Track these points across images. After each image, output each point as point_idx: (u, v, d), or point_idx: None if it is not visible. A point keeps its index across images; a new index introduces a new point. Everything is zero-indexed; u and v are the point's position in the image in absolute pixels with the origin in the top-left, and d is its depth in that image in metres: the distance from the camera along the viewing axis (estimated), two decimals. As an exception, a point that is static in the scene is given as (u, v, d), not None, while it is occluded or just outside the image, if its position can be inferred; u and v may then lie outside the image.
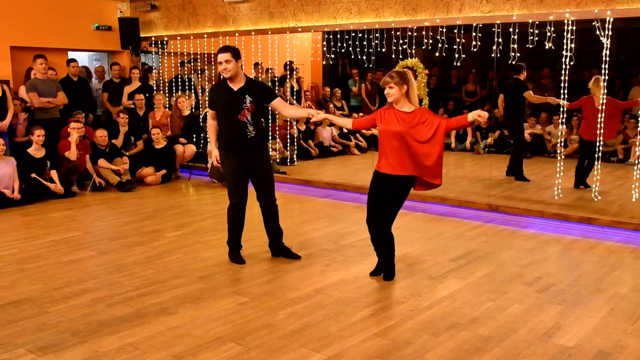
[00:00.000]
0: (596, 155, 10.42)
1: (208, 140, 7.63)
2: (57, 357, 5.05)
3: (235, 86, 7.32)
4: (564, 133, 12.84)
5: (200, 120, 14.46)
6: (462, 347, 5.29)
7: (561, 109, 10.62)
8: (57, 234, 8.89)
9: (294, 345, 5.29)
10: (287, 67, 14.95)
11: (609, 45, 9.43)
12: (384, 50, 12.19)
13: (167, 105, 14.64)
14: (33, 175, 10.98)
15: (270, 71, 14.84)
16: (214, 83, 7.37)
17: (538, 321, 5.87)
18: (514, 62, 11.16)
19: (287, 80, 15.54)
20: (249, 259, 7.67)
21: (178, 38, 14.78)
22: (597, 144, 10.40)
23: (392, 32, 11.74)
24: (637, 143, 10.68)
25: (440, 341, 5.40)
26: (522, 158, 12.74)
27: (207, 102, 14.11)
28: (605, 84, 10.03)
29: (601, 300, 6.46)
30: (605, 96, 10.20)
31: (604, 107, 10.18)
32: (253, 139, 7.37)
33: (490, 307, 6.23)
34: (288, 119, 14.59)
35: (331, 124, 16.42)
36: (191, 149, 13.76)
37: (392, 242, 6.99)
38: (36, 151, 11.16)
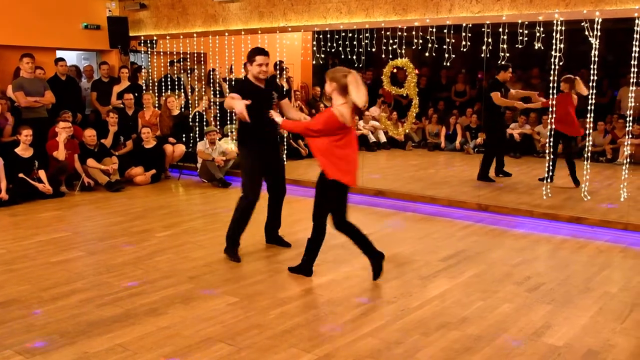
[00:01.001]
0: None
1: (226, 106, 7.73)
2: (46, 358, 5.02)
3: (262, 84, 7.64)
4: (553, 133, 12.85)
5: (190, 119, 14.44)
6: (452, 346, 5.30)
7: (550, 109, 10.62)
8: (45, 234, 8.86)
9: (284, 345, 5.28)
10: (277, 67, 14.92)
11: (597, 46, 9.46)
12: (374, 50, 12.18)
13: (157, 105, 14.60)
14: (21, 175, 10.92)
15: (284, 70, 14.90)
16: (235, 80, 7.62)
17: (528, 320, 5.88)
18: (502, 62, 11.18)
19: (277, 79, 15.52)
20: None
21: (167, 37, 14.74)
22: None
23: (382, 32, 11.74)
24: (626, 143, 10.69)
25: (430, 341, 5.40)
26: (493, 159, 12.64)
27: (210, 97, 14.10)
28: (594, 84, 10.04)
29: (590, 299, 6.47)
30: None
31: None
32: (276, 133, 7.89)
33: (480, 306, 6.24)
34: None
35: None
36: (180, 148, 13.73)
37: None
38: (24, 151, 11.12)
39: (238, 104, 7.20)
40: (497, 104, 12.14)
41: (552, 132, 10.85)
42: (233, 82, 14.20)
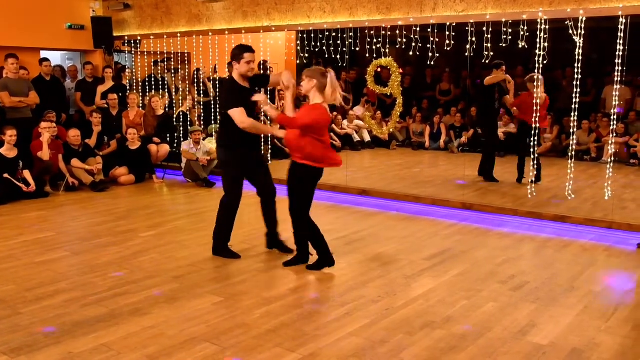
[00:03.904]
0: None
1: (262, 130, 8.01)
2: (30, 358, 4.99)
3: (246, 84, 7.58)
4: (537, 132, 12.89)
5: (174, 119, 14.41)
6: (437, 345, 5.30)
7: (535, 108, 10.66)
8: (29, 235, 8.82)
9: (269, 344, 5.27)
10: (261, 67, 14.90)
11: (581, 45, 9.49)
12: (358, 49, 12.18)
13: (141, 105, 14.56)
14: (5, 175, 10.88)
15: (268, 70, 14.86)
16: (228, 85, 7.57)
17: (513, 319, 5.89)
18: (490, 61, 11.19)
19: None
20: (224, 258, 7.68)
21: (151, 37, 14.71)
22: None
23: (366, 31, 11.73)
24: (610, 142, 10.73)
25: (415, 340, 5.41)
26: (494, 158, 12.67)
27: (216, 102, 14.08)
28: (578, 82, 10.07)
29: (575, 298, 6.49)
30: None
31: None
32: (258, 136, 7.95)
33: (465, 305, 6.25)
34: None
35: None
36: (165, 148, 13.71)
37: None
38: (8, 151, 11.07)
39: (277, 132, 7.83)
40: (495, 103, 12.27)
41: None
42: (218, 83, 14.19)
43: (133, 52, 15.47)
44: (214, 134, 14.32)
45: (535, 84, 11.12)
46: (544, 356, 5.12)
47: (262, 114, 7.43)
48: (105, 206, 10.74)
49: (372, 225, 9.54)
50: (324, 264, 7.24)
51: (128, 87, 15.06)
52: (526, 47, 10.18)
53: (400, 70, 11.14)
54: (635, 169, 14.29)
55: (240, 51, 7.45)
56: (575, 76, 9.92)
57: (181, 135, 14.30)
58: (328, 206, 10.76)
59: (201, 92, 15.03)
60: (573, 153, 10.57)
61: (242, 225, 8.47)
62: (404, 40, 11.19)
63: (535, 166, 11.37)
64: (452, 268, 7.43)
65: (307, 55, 13.08)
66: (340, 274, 7.17)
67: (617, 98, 9.80)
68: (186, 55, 15.35)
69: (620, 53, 9.20)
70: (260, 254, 7.89)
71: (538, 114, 10.52)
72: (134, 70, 15.56)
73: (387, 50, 11.42)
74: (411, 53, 11.26)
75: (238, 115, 7.35)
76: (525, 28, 10.02)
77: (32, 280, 6.90)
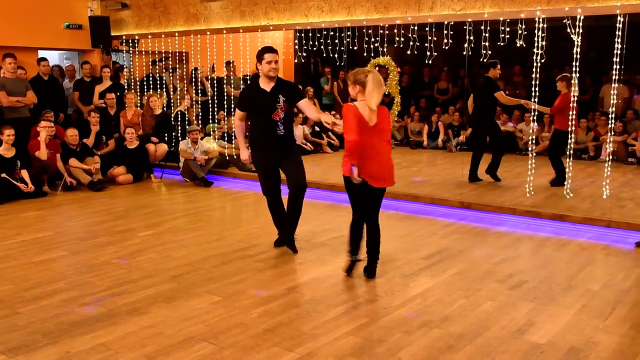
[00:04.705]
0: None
1: (234, 139, 8.04)
2: (28, 358, 4.99)
3: (268, 87, 7.55)
4: (535, 131, 12.90)
5: (172, 119, 14.40)
6: (434, 344, 5.30)
7: (533, 107, 10.66)
8: (27, 234, 8.81)
9: (267, 344, 5.27)
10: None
11: (579, 43, 9.49)
12: (355, 48, 12.18)
13: (139, 104, 14.54)
14: (3, 175, 10.87)
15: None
16: (247, 84, 7.72)
17: (510, 318, 5.89)
18: (486, 60, 11.19)
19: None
20: (221, 258, 7.69)
21: (149, 37, 14.70)
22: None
23: (364, 30, 11.73)
24: (608, 140, 10.73)
25: (413, 339, 5.41)
26: (501, 157, 12.56)
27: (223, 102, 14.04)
28: (577, 81, 10.08)
29: (573, 297, 6.49)
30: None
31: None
32: (284, 136, 7.65)
33: (462, 304, 6.24)
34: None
35: (304, 122, 16.44)
36: (163, 148, 13.70)
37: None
38: (6, 151, 11.06)
39: (243, 153, 8.02)
40: (496, 102, 12.20)
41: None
42: (217, 82, 14.23)
43: (131, 52, 15.48)
44: (211, 133, 14.33)
45: (572, 82, 10.99)
46: (541, 355, 5.12)
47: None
48: (103, 206, 10.73)
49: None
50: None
51: (126, 87, 15.05)
52: (524, 45, 10.19)
53: (398, 69, 11.16)
54: (633, 167, 14.29)
55: (261, 52, 7.55)
56: (573, 75, 9.93)
57: (179, 135, 14.29)
58: (326, 205, 10.76)
59: (199, 91, 15.03)
60: (571, 152, 10.57)
61: (241, 224, 8.46)
62: (402, 39, 11.20)
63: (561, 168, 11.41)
64: (450, 267, 7.43)
65: (304, 54, 13.08)
66: (338, 273, 7.16)
67: (614, 97, 9.81)
68: (184, 54, 15.34)
69: (618, 51, 9.20)
70: (258, 254, 7.88)
71: (573, 118, 10.46)
72: (131, 70, 15.56)
73: (385, 49, 11.43)
74: (409, 52, 11.27)
75: (235, 115, 7.68)
76: (523, 27, 10.02)
77: (30, 279, 6.89)
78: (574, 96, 10.47)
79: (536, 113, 10.75)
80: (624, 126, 15.32)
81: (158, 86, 15.00)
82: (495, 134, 12.50)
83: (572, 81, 10.57)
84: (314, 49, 12.67)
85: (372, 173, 6.58)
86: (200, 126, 14.26)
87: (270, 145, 7.64)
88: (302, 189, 7.79)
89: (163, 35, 14.45)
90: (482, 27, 10.29)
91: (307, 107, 7.84)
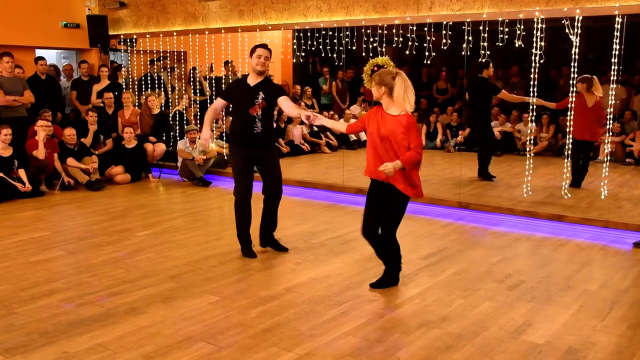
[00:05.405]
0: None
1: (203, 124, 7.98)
2: (26, 358, 4.98)
3: (252, 82, 7.59)
4: (533, 131, 12.89)
5: (170, 118, 14.39)
6: (433, 344, 5.30)
7: (531, 107, 10.64)
8: (25, 234, 8.80)
9: (265, 344, 5.26)
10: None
11: (578, 44, 9.49)
12: (354, 48, 12.18)
13: (137, 104, 14.53)
14: (0, 174, 10.85)
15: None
16: (236, 79, 7.80)
17: (509, 318, 5.89)
18: (482, 60, 11.19)
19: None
20: (220, 257, 7.68)
21: (147, 36, 14.69)
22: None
23: (363, 30, 11.72)
24: (606, 141, 10.73)
25: (411, 339, 5.40)
26: (490, 157, 12.62)
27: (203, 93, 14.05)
28: (575, 82, 10.08)
29: (571, 297, 6.49)
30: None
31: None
32: (260, 134, 7.57)
33: (461, 304, 6.24)
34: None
35: (302, 122, 16.42)
36: (161, 147, 13.69)
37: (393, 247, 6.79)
38: (3, 150, 11.04)
39: (205, 132, 7.88)
40: (491, 102, 12.20)
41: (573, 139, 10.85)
42: (214, 81, 14.23)
43: (129, 51, 15.46)
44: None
45: (593, 84, 10.92)
46: (539, 355, 5.12)
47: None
48: (101, 205, 10.72)
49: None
50: (392, 282, 6.89)
51: (124, 86, 15.03)
52: (522, 46, 10.18)
53: (397, 70, 11.12)
54: (631, 168, 14.27)
55: (254, 47, 7.61)
56: (572, 75, 9.92)
57: (177, 134, 14.28)
58: (325, 205, 10.76)
59: (197, 91, 15.01)
60: (569, 152, 10.57)
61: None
62: (401, 39, 11.19)
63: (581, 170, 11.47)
64: (449, 267, 7.42)
65: (303, 54, 13.08)
66: (336, 273, 7.16)
67: (613, 97, 9.81)
68: (182, 54, 15.32)
69: (617, 52, 9.19)
70: (256, 253, 7.87)
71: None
72: (129, 69, 15.54)
73: (384, 49, 11.41)
74: (408, 52, 11.26)
75: (215, 101, 8.02)
76: (522, 27, 10.02)
77: (27, 279, 6.88)
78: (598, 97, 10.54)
79: (535, 113, 10.72)
80: (621, 127, 15.31)
81: (156, 86, 14.98)
82: (484, 133, 12.53)
83: (593, 83, 10.62)
84: (313, 48, 12.66)
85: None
86: (198, 126, 14.24)
87: (246, 141, 7.60)
88: (277, 199, 7.90)
89: (161, 35, 14.44)
90: (481, 28, 10.28)
91: (286, 103, 7.69)
